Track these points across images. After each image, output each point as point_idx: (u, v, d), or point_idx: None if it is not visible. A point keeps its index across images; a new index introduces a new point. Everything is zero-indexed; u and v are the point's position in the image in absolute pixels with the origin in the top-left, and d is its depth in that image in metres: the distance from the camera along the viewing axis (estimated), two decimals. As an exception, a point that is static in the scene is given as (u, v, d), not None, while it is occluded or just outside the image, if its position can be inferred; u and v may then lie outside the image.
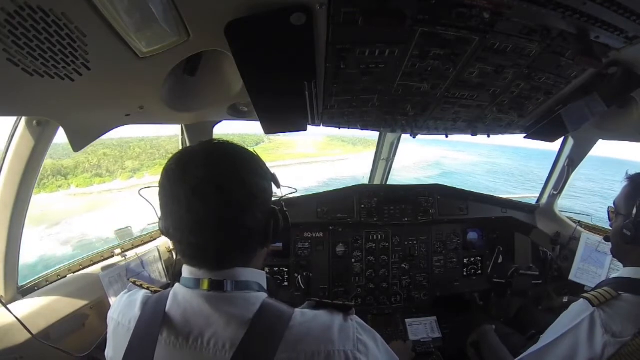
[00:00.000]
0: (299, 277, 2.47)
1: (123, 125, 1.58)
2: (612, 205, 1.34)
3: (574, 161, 2.55)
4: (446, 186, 2.79)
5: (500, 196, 3.05)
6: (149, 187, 1.67)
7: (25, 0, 0.71)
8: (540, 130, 2.01)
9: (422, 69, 1.36)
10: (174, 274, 2.17)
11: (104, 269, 1.78)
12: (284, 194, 1.12)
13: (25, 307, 1.45)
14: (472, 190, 2.86)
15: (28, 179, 1.41)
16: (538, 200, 2.94)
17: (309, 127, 1.92)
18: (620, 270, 1.30)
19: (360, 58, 1.26)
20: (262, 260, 0.92)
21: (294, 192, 2.17)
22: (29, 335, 1.35)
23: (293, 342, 0.73)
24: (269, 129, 1.91)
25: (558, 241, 2.62)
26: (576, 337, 1.12)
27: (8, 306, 1.39)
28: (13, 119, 1.33)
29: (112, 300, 1.71)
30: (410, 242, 2.67)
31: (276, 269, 2.54)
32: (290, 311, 0.79)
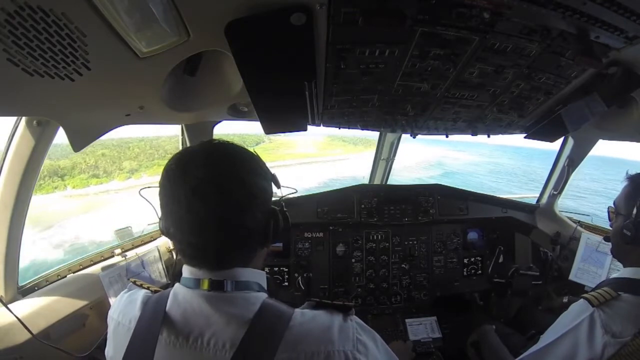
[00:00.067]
0: (299, 277, 2.47)
1: (123, 125, 1.59)
2: (612, 205, 1.34)
3: (574, 161, 2.55)
4: (446, 186, 2.79)
5: (501, 196, 3.05)
6: (148, 187, 1.68)
7: (25, 0, 0.71)
8: (540, 130, 2.01)
9: (422, 69, 1.36)
10: (174, 274, 2.17)
11: (104, 269, 1.78)
12: (284, 194, 1.12)
13: (25, 307, 1.45)
14: (472, 190, 2.86)
15: (28, 179, 1.41)
16: (538, 200, 2.94)
17: (309, 127, 1.92)
18: (620, 271, 1.30)
19: (360, 58, 1.26)
20: (262, 260, 0.92)
21: (294, 192, 2.18)
22: (29, 335, 1.35)
23: (293, 342, 0.73)
24: (269, 129, 1.91)
25: (558, 241, 2.61)
26: (576, 338, 1.12)
27: (8, 306, 1.39)
28: (13, 119, 1.33)
29: (112, 300, 1.71)
30: (410, 242, 2.67)
31: (276, 269, 2.54)
32: (290, 311, 0.79)
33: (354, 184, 2.69)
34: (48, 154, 1.46)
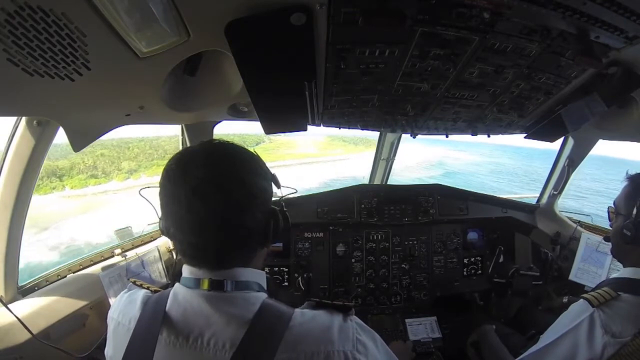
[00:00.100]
0: (300, 278, 2.46)
1: (123, 125, 1.59)
2: (612, 205, 1.34)
3: (574, 161, 2.55)
4: (446, 186, 2.79)
5: (501, 196, 3.05)
6: (148, 187, 1.68)
7: (25, 0, 0.71)
8: (540, 130, 2.01)
9: (422, 69, 1.36)
10: (174, 274, 2.17)
11: (104, 269, 1.78)
12: (284, 194, 1.12)
13: (25, 307, 1.45)
14: (472, 190, 2.86)
15: (28, 179, 1.41)
16: (538, 200, 2.94)
17: (309, 127, 1.92)
18: (620, 271, 1.30)
19: (360, 58, 1.26)
20: (262, 260, 0.92)
21: (294, 192, 2.18)
22: (29, 335, 1.35)
23: (293, 342, 0.73)
24: (269, 129, 1.91)
25: (558, 241, 2.61)
26: (576, 338, 1.12)
27: (8, 306, 1.39)
28: (13, 119, 1.33)
29: (112, 300, 1.71)
30: (410, 242, 2.67)
31: (276, 269, 2.54)
32: (290, 311, 0.79)
33: (354, 184, 2.69)
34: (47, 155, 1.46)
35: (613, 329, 1.07)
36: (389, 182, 3.33)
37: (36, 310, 1.47)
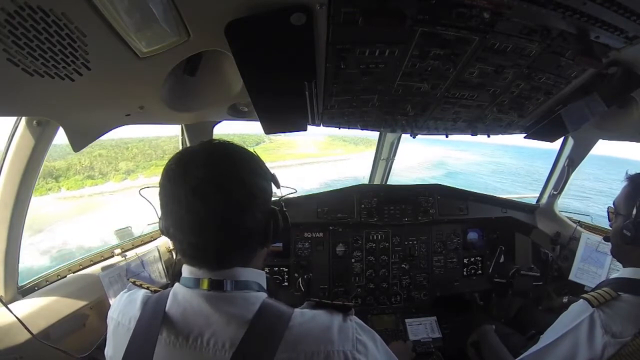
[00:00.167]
0: (300, 279, 2.46)
1: (123, 125, 1.59)
2: (612, 206, 1.34)
3: (574, 161, 2.55)
4: (446, 186, 2.79)
5: (501, 196, 3.05)
6: (148, 187, 1.68)
7: (25, 0, 0.71)
8: (540, 130, 2.01)
9: (422, 69, 1.36)
10: (174, 274, 2.17)
11: (104, 269, 1.78)
12: (283, 194, 1.12)
13: (25, 307, 1.45)
14: (472, 190, 2.86)
15: (28, 179, 1.41)
16: (538, 200, 2.94)
17: (309, 127, 1.92)
18: (620, 271, 1.30)
19: (360, 58, 1.26)
20: (262, 260, 0.92)
21: (293, 192, 2.18)
22: (29, 335, 1.35)
23: (293, 342, 0.73)
24: (269, 129, 1.91)
25: (558, 241, 2.61)
26: (576, 338, 1.12)
27: (8, 306, 1.39)
28: (13, 119, 1.33)
29: (112, 300, 1.71)
30: (410, 242, 2.67)
31: (276, 269, 2.54)
32: (290, 311, 0.79)
33: (354, 184, 2.69)
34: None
35: (613, 329, 1.07)
36: (388, 182, 3.33)
37: (36, 310, 1.47)
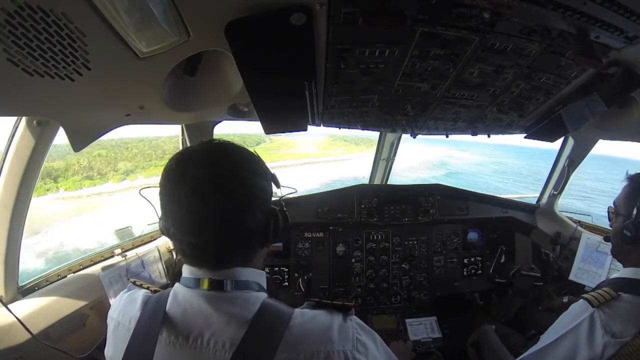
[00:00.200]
0: (300, 279, 2.46)
1: (123, 125, 1.59)
2: (612, 206, 1.34)
3: (574, 161, 2.55)
4: (446, 186, 2.79)
5: (501, 196, 3.05)
6: (148, 187, 1.68)
7: (25, 0, 0.71)
8: (540, 130, 2.01)
9: (422, 69, 1.36)
10: (174, 274, 2.17)
11: (104, 269, 1.78)
12: (283, 194, 1.12)
13: (25, 307, 1.45)
14: (474, 190, 2.86)
15: (28, 179, 1.41)
16: (538, 200, 2.94)
17: (309, 127, 1.92)
18: (620, 271, 1.30)
19: (360, 58, 1.26)
20: (262, 260, 0.92)
21: (293, 192, 2.18)
22: (29, 335, 1.35)
23: (293, 342, 0.73)
24: (269, 129, 1.91)
25: (558, 241, 2.61)
26: (576, 338, 1.12)
27: (8, 306, 1.39)
28: (13, 119, 1.33)
29: (112, 300, 1.71)
30: (411, 242, 2.67)
31: (276, 269, 2.54)
32: (290, 311, 0.79)
33: (354, 184, 2.69)
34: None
35: (613, 329, 1.07)
36: (389, 182, 3.33)
37: (36, 310, 1.47)
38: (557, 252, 2.59)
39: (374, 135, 3.12)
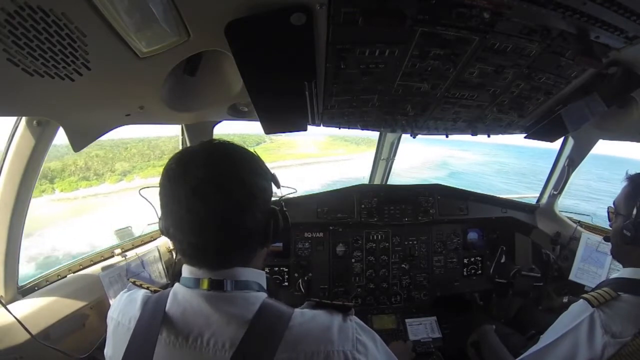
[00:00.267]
0: (300, 280, 2.46)
1: (123, 125, 1.59)
2: (612, 206, 1.34)
3: (574, 161, 2.55)
4: (446, 186, 2.79)
5: (501, 196, 3.05)
6: (148, 187, 1.68)
7: (25, 0, 0.71)
8: (540, 130, 2.01)
9: (422, 69, 1.36)
10: (173, 274, 2.17)
11: (104, 269, 1.78)
12: (283, 194, 1.12)
13: (25, 307, 1.45)
14: (472, 190, 2.86)
15: (28, 179, 1.41)
16: (538, 200, 2.94)
17: (309, 127, 1.92)
18: (620, 271, 1.30)
19: (360, 58, 1.26)
20: (262, 260, 0.92)
21: (293, 192, 2.18)
22: (29, 336, 1.35)
23: (293, 342, 0.73)
24: (269, 129, 1.91)
25: (558, 241, 2.61)
26: (576, 338, 1.12)
27: (8, 306, 1.39)
28: (13, 119, 1.33)
29: (112, 300, 1.71)
30: (410, 242, 2.67)
31: (276, 269, 2.54)
32: (290, 311, 0.79)
33: (354, 184, 2.69)
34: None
35: (613, 329, 1.07)
36: (389, 182, 3.33)
37: (36, 310, 1.47)
38: (557, 252, 2.59)
39: (375, 135, 3.12)
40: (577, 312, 1.17)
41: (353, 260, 2.60)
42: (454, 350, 2.25)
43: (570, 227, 2.63)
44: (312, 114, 1.56)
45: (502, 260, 2.55)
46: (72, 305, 1.59)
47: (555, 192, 2.72)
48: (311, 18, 0.96)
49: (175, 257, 2.24)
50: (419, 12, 1.03)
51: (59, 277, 1.70)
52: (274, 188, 0.91)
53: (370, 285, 2.60)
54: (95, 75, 1.01)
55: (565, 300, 2.34)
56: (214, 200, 0.75)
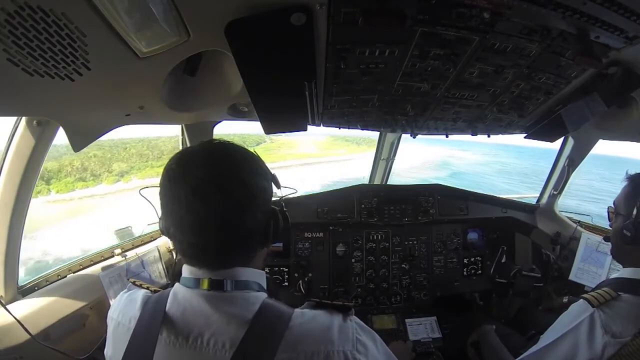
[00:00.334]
0: (301, 281, 2.46)
1: (123, 125, 1.59)
2: (612, 205, 1.34)
3: (574, 161, 2.55)
4: (446, 186, 2.79)
5: (501, 196, 3.05)
6: (147, 187, 1.68)
7: (25, 0, 0.71)
8: (540, 130, 2.01)
9: (422, 69, 1.36)
10: (174, 274, 2.17)
11: (104, 269, 1.78)
12: (284, 194, 1.12)
13: (25, 307, 1.45)
14: (472, 190, 2.86)
15: (28, 179, 1.41)
16: (538, 200, 2.94)
17: (309, 127, 1.92)
18: (620, 271, 1.30)
19: (360, 58, 1.26)
20: (262, 260, 0.92)
21: (294, 192, 2.18)
22: (29, 336, 1.35)
23: (293, 342, 0.73)
24: (269, 129, 1.91)
25: (558, 241, 2.61)
26: (576, 338, 1.12)
27: (8, 306, 1.39)
28: (13, 119, 1.33)
29: (112, 300, 1.71)
30: (410, 242, 2.67)
31: (276, 269, 2.54)
32: (290, 311, 0.79)
33: (354, 184, 2.69)
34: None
35: (613, 329, 1.07)
36: (389, 182, 3.33)
37: (36, 310, 1.47)
38: (557, 252, 2.59)
39: (375, 135, 3.12)
40: (577, 312, 1.17)
41: (353, 260, 2.60)
42: (454, 350, 2.25)
43: (570, 227, 2.63)
44: (312, 114, 1.56)
45: (503, 260, 2.55)
46: (72, 305, 1.59)
47: (555, 192, 2.72)
48: (311, 18, 0.96)
49: (175, 257, 2.24)
50: (419, 12, 1.03)
51: (59, 277, 1.70)
52: (275, 188, 0.91)
53: (370, 285, 2.60)
54: (95, 75, 1.01)
55: (565, 300, 2.34)
56: (214, 200, 0.75)
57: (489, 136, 2.16)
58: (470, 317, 2.49)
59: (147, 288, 0.92)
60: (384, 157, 3.17)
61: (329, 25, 1.04)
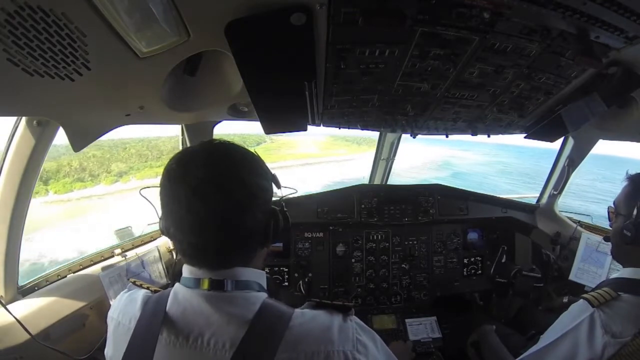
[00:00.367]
0: (301, 281, 2.46)
1: (123, 125, 1.59)
2: (612, 205, 1.34)
3: (574, 161, 2.55)
4: (446, 186, 2.79)
5: (501, 196, 3.05)
6: (147, 187, 1.68)
7: (25, 0, 0.71)
8: (540, 130, 2.02)
9: (422, 69, 1.36)
10: (174, 274, 2.17)
11: (104, 269, 1.78)
12: (284, 194, 1.12)
13: (25, 307, 1.45)
14: (472, 190, 2.86)
15: (28, 179, 1.41)
16: (538, 200, 2.94)
17: (309, 127, 1.92)
18: (620, 271, 1.30)
19: (360, 58, 1.26)
20: (262, 260, 0.92)
21: (294, 192, 2.18)
22: (29, 336, 1.35)
23: (293, 342, 0.73)
24: (269, 129, 1.91)
25: (558, 241, 2.61)
26: (576, 338, 1.12)
27: (8, 306, 1.39)
28: (13, 119, 1.33)
29: (112, 300, 1.71)
30: (410, 242, 2.67)
31: (276, 269, 2.55)
32: (290, 311, 0.79)
33: (354, 184, 2.69)
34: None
35: (613, 329, 1.07)
36: (389, 182, 3.33)
37: (36, 310, 1.47)
38: (557, 252, 2.59)
39: (375, 135, 3.12)
40: (577, 312, 1.17)
41: (353, 260, 2.60)
42: (454, 350, 2.25)
43: (570, 227, 2.63)
44: (312, 114, 1.56)
45: (503, 260, 2.55)
46: (72, 306, 1.59)
47: (555, 192, 2.72)
48: (311, 18, 0.96)
49: (175, 257, 2.24)
50: (419, 12, 1.03)
51: (59, 277, 1.70)
52: (275, 188, 0.91)
53: (370, 285, 2.60)
54: (95, 75, 1.01)
55: (565, 300, 2.33)
56: (214, 200, 0.75)
57: (489, 136, 2.16)
58: (470, 317, 2.48)
59: (148, 288, 0.92)
60: (384, 157, 3.18)
61: (329, 25, 1.04)
